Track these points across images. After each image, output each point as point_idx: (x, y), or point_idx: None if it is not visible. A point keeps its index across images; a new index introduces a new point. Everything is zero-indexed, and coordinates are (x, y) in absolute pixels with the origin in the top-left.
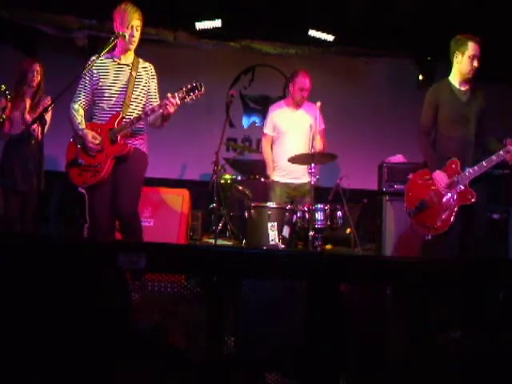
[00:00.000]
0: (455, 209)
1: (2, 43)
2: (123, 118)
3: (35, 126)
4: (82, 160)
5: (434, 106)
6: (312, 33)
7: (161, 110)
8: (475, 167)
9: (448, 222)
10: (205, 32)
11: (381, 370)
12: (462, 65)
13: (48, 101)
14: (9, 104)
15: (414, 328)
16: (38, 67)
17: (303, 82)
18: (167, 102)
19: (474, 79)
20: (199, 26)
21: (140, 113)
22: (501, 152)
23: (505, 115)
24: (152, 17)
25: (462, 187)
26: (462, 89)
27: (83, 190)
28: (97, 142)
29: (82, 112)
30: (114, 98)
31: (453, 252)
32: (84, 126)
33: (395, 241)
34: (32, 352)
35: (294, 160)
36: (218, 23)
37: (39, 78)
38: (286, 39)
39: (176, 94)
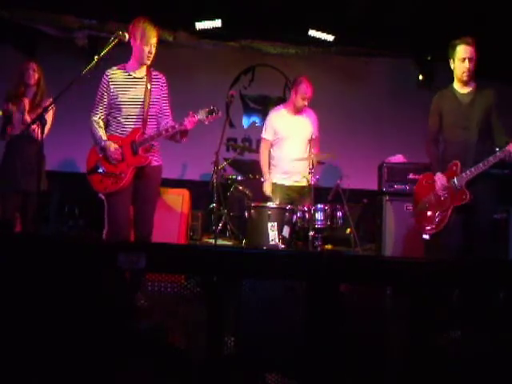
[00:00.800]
0: (449, 210)
1: (2, 43)
2: (144, 132)
3: (35, 126)
4: (103, 168)
5: (438, 113)
6: (312, 33)
7: (180, 128)
8: (472, 169)
9: (443, 222)
10: (205, 32)
11: (381, 370)
12: (456, 69)
13: (49, 102)
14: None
15: (414, 328)
16: (34, 66)
17: (306, 90)
18: (187, 121)
19: (476, 79)
20: (199, 25)
21: (156, 126)
22: (497, 153)
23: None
24: (152, 17)
25: (459, 188)
26: (464, 92)
27: (103, 197)
28: (118, 153)
29: (102, 124)
30: (132, 113)
31: (456, 253)
32: (106, 138)
33: (395, 241)
34: (32, 352)
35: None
36: (218, 23)
37: (36, 75)
38: (286, 39)
39: (196, 115)
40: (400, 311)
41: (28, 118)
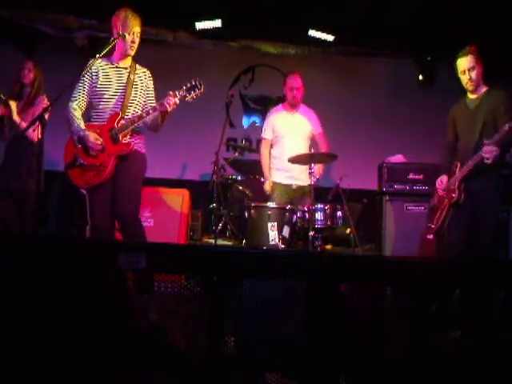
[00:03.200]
0: (445, 209)
1: (2, 43)
2: (122, 117)
3: (34, 126)
4: (82, 160)
5: (452, 122)
6: (312, 33)
7: (161, 108)
8: (464, 167)
9: (438, 222)
10: (205, 32)
11: (381, 370)
12: (461, 81)
13: (44, 100)
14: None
15: (414, 328)
16: (30, 65)
17: (293, 81)
18: (168, 100)
19: (486, 83)
20: (199, 25)
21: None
22: (474, 156)
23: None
24: (152, 17)
25: (452, 187)
26: (473, 97)
27: (84, 191)
28: (99, 142)
29: (80, 112)
30: (112, 100)
31: (459, 248)
32: (84, 127)
33: (395, 241)
34: (32, 352)
35: (295, 160)
36: (218, 23)
37: (31, 75)
38: (286, 39)
39: (177, 92)
40: (400, 311)
41: (17, 119)
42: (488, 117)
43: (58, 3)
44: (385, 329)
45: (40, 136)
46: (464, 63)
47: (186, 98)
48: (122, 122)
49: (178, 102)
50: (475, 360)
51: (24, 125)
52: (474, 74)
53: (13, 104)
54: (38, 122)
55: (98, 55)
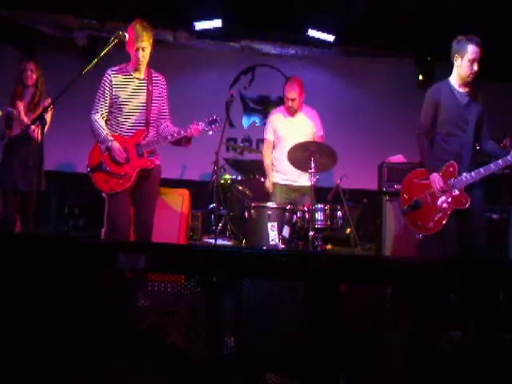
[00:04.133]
0: (448, 212)
1: (2, 43)
2: (147, 134)
3: (34, 126)
4: (108, 168)
5: (434, 106)
6: (312, 33)
7: (185, 134)
8: (472, 173)
9: (439, 224)
10: (205, 32)
11: (381, 370)
12: (461, 68)
13: (48, 102)
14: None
15: (414, 328)
16: (32, 66)
17: (289, 91)
18: (192, 130)
19: (475, 80)
20: (199, 26)
21: (156, 126)
22: (499, 161)
23: (505, 115)
24: (152, 17)
25: (457, 191)
26: (462, 91)
27: (105, 196)
28: (124, 155)
29: (104, 123)
30: (134, 114)
31: (451, 255)
32: (112, 138)
33: (395, 241)
34: (32, 352)
35: (295, 152)
36: (218, 23)
37: (34, 76)
38: (286, 39)
39: (200, 123)
40: (400, 311)
41: (25, 119)
42: (479, 117)
43: (58, 3)
44: (385, 329)
45: (40, 136)
46: (477, 52)
47: (206, 131)
48: (148, 139)
49: (201, 130)
50: (475, 360)
51: (33, 126)
52: (477, 67)
53: (20, 104)
54: (37, 123)
55: (114, 69)
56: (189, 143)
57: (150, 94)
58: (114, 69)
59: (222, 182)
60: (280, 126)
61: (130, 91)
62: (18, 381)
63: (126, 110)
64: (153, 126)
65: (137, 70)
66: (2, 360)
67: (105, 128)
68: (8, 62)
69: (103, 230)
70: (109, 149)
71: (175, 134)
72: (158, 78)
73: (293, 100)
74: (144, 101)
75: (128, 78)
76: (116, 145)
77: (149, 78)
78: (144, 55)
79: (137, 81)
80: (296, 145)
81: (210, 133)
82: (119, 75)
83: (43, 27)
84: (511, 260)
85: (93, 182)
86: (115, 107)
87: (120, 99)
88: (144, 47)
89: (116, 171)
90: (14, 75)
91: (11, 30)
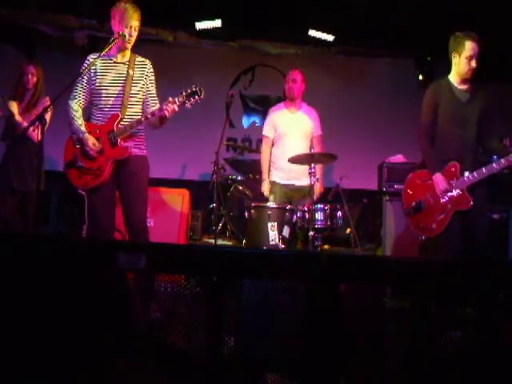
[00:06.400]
0: (451, 213)
1: (2, 43)
2: (122, 119)
3: (34, 126)
4: (81, 163)
5: (434, 105)
6: (312, 33)
7: (160, 114)
8: (475, 173)
9: (442, 225)
10: (205, 32)
11: (381, 370)
12: (459, 65)
13: (47, 101)
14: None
15: (414, 328)
16: (33, 69)
17: (291, 74)
18: (167, 107)
19: (475, 79)
20: (199, 25)
21: (139, 114)
22: (502, 160)
23: (505, 115)
24: (152, 17)
25: (460, 192)
26: (462, 88)
27: (83, 192)
28: (97, 149)
29: (81, 112)
30: (112, 98)
31: (454, 255)
32: (85, 129)
33: (395, 241)
34: (31, 352)
35: (294, 160)
36: (218, 23)
37: (34, 79)
38: (286, 39)
39: (176, 99)
40: (400, 311)
41: (20, 119)
42: (479, 116)
43: (58, 3)
44: (385, 329)
45: (40, 136)
46: (475, 48)
47: (186, 105)
48: (121, 125)
49: (177, 108)
50: (475, 360)
51: (26, 125)
52: (476, 64)
53: (14, 105)
54: (37, 123)
55: (95, 55)
56: (164, 122)
57: (129, 77)
58: (94, 54)
59: (222, 181)
60: (280, 121)
61: (109, 76)
62: (18, 381)
63: (104, 96)
64: (133, 113)
65: (122, 51)
66: (2, 360)
67: (78, 118)
68: (8, 62)
69: (84, 227)
70: (80, 141)
71: (149, 116)
72: (142, 62)
73: (293, 81)
74: (122, 84)
75: (107, 61)
76: (88, 137)
77: (131, 62)
78: (134, 35)
79: (118, 65)
80: (294, 157)
81: (189, 106)
82: (99, 60)
83: (43, 27)
84: (511, 260)
85: (69, 180)
86: (95, 93)
87: (98, 83)
88: (137, 26)
89: (89, 166)
90: (14, 75)
91: (11, 30)
